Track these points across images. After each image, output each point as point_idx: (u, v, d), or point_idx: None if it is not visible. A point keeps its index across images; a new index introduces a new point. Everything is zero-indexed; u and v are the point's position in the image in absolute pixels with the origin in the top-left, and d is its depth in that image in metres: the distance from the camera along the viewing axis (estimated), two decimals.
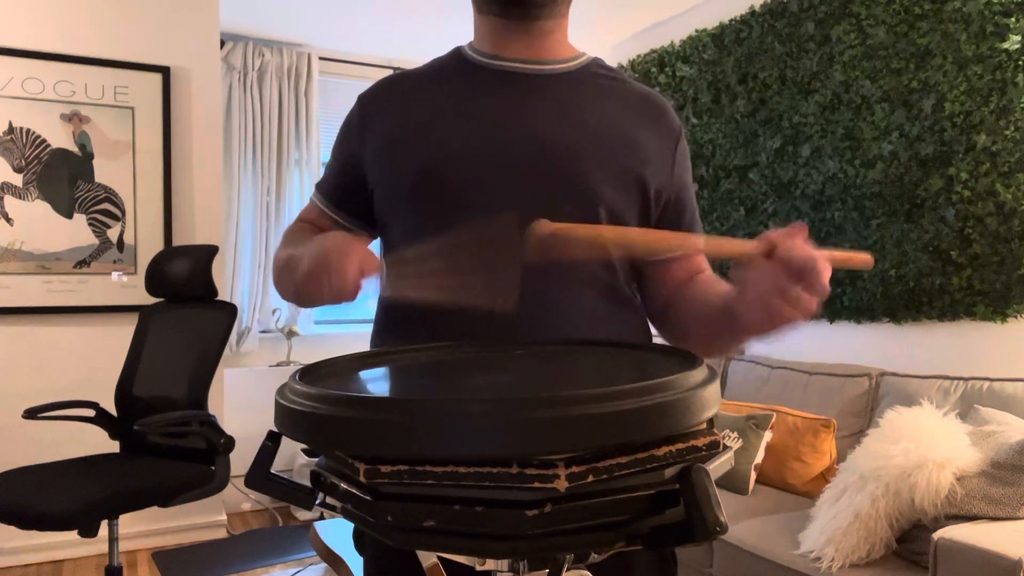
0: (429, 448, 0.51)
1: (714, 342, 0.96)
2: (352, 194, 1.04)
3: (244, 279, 4.21)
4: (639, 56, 4.24)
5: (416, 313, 0.97)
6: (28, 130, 3.23)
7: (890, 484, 2.05)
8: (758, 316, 0.77)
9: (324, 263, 0.83)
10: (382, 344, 1.00)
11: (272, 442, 0.65)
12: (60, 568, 3.19)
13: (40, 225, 3.26)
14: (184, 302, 2.70)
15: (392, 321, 1.00)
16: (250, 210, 4.23)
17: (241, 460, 2.96)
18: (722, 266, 3.00)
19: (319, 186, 1.10)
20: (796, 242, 0.72)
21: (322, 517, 3.32)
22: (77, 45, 3.31)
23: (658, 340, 1.01)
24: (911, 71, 2.80)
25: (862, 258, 0.76)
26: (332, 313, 4.58)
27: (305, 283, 0.86)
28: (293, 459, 3.93)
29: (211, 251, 2.68)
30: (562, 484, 0.51)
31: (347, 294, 0.83)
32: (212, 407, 2.77)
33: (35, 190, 3.25)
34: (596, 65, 1.04)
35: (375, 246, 1.06)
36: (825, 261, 0.72)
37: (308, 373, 0.70)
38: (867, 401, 2.79)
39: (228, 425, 3.60)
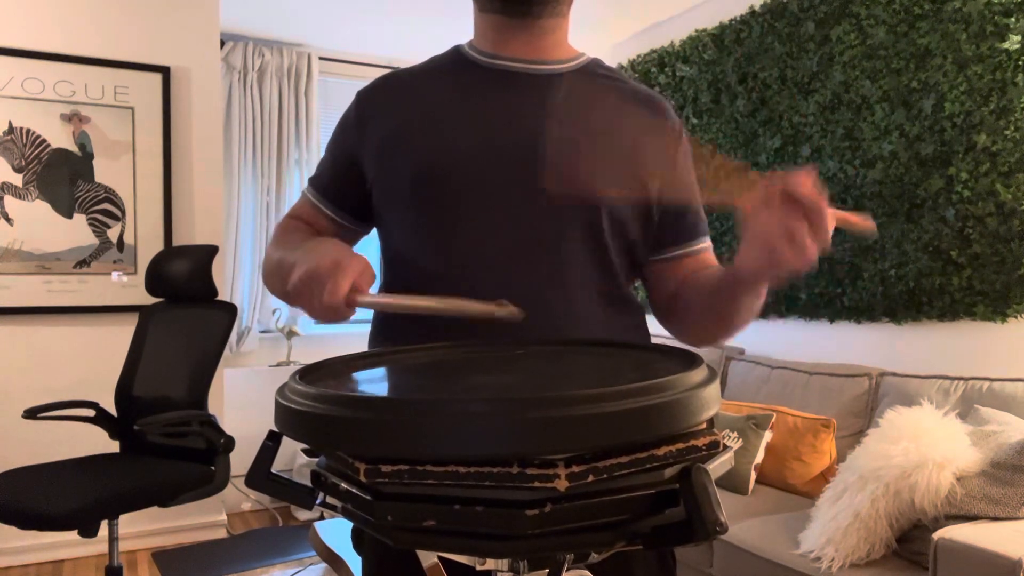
0: (429, 448, 0.51)
1: (715, 320, 0.96)
2: (347, 190, 1.04)
3: (244, 279, 4.21)
4: (639, 56, 4.24)
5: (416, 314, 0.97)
6: (28, 130, 3.23)
7: (890, 484, 2.05)
8: (760, 260, 0.76)
9: (315, 277, 0.77)
10: (381, 344, 1.00)
11: (272, 442, 0.65)
12: (60, 568, 3.19)
13: (40, 225, 3.26)
14: (184, 302, 2.70)
15: (391, 321, 1.00)
16: (250, 210, 4.23)
17: (241, 460, 2.96)
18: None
19: (312, 181, 1.09)
20: (804, 181, 0.71)
21: (322, 517, 3.32)
22: (77, 45, 3.31)
23: (658, 340, 1.01)
24: (911, 71, 2.80)
25: (864, 222, 0.76)
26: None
27: (295, 296, 0.80)
28: (293, 459, 3.93)
29: (211, 251, 2.68)
30: (562, 484, 0.51)
31: (338, 314, 0.77)
32: (212, 407, 2.77)
33: (35, 190, 3.25)
34: (596, 65, 1.04)
35: (373, 242, 1.06)
36: (830, 210, 0.71)
37: (308, 373, 0.70)
38: (867, 401, 2.79)
39: (228, 425, 3.60)
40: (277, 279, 0.94)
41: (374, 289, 0.82)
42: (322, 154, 1.11)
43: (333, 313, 0.77)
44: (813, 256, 0.73)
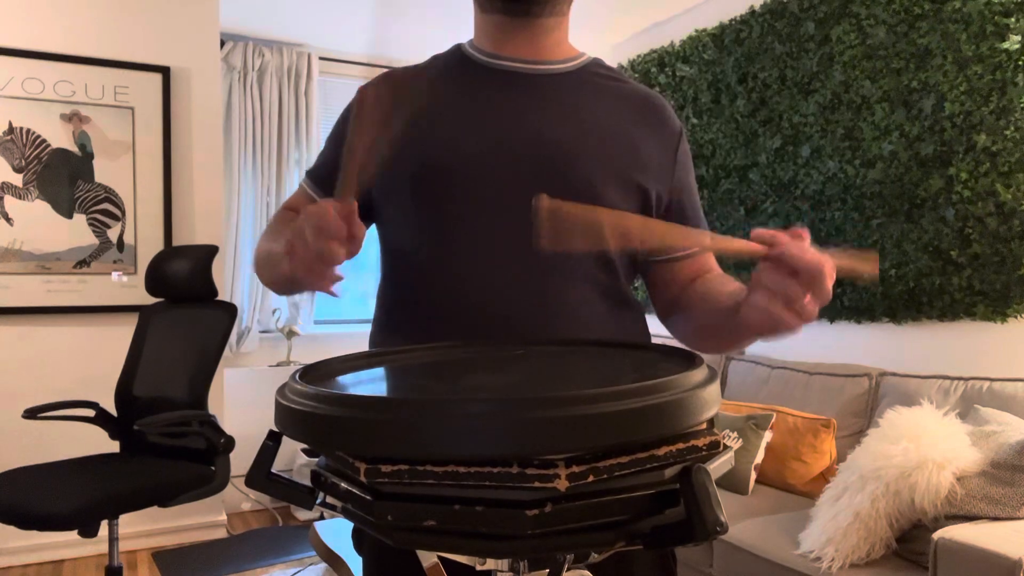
0: (429, 448, 0.51)
1: (720, 340, 0.96)
2: None
3: (244, 279, 4.21)
4: (639, 56, 4.24)
5: (416, 313, 0.97)
6: (28, 130, 3.23)
7: (890, 484, 2.05)
8: (761, 320, 0.77)
9: (299, 227, 0.74)
10: (382, 344, 1.00)
11: (272, 442, 0.65)
12: (60, 568, 3.19)
13: (40, 225, 3.26)
14: (184, 302, 2.70)
15: (392, 321, 1.00)
16: (250, 210, 4.23)
17: (241, 460, 2.96)
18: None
19: (310, 173, 1.09)
20: (804, 246, 0.72)
21: (322, 517, 3.32)
22: (77, 45, 3.31)
23: (658, 340, 1.01)
24: (911, 71, 2.80)
25: (868, 268, 0.76)
26: (332, 313, 4.58)
27: (291, 262, 0.76)
28: (293, 459, 3.93)
29: (211, 251, 2.68)
30: (562, 484, 0.51)
31: (335, 249, 0.71)
32: (212, 407, 2.77)
33: (35, 190, 3.25)
34: (596, 65, 1.04)
35: (372, 240, 1.06)
36: (832, 268, 0.72)
37: (308, 373, 0.70)
38: (867, 401, 2.79)
39: (228, 425, 3.60)
40: (268, 267, 0.95)
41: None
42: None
43: (331, 248, 0.71)
44: (812, 317, 0.74)
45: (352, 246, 0.73)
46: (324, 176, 1.06)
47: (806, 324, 0.75)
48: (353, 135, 0.74)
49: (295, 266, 0.75)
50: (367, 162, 0.74)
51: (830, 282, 0.72)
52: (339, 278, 0.75)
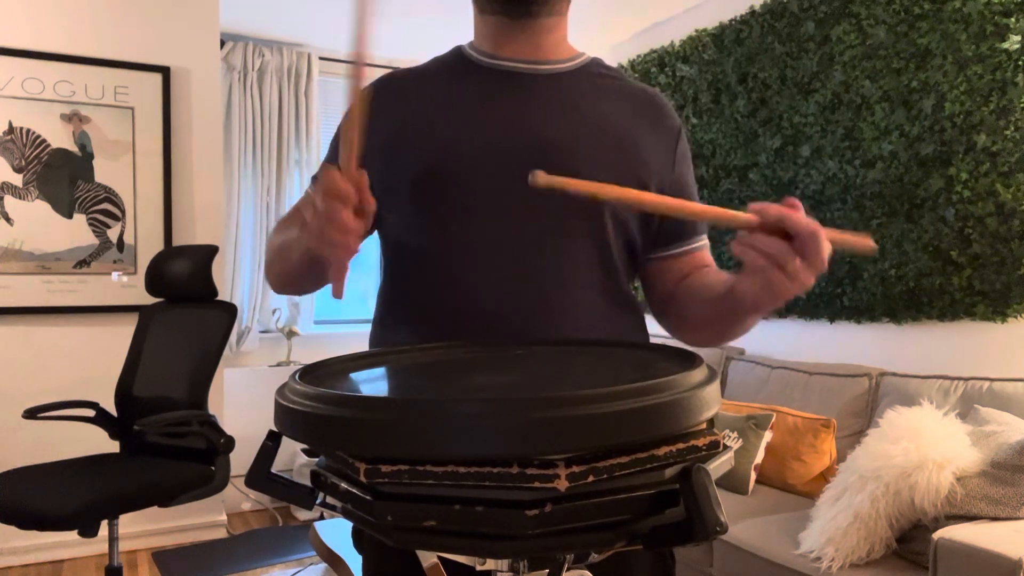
0: (429, 448, 0.51)
1: (716, 326, 0.96)
2: None
3: (244, 279, 4.21)
4: (639, 56, 4.24)
5: (416, 313, 0.97)
6: (28, 130, 3.23)
7: (890, 484, 2.05)
8: (758, 291, 0.78)
9: (309, 200, 0.75)
10: (382, 344, 1.00)
11: (272, 442, 0.65)
12: (60, 568, 3.19)
13: (40, 225, 3.26)
14: (184, 302, 2.70)
15: (392, 321, 1.01)
16: (250, 210, 4.23)
17: (241, 460, 2.96)
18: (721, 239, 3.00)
19: (316, 178, 1.09)
20: (799, 214, 0.72)
21: (322, 517, 3.32)
22: (77, 45, 3.31)
23: (657, 340, 1.01)
24: (911, 71, 2.80)
25: (863, 241, 0.76)
26: (332, 313, 4.58)
27: (305, 234, 0.76)
28: (293, 459, 3.93)
29: (211, 251, 2.68)
30: (562, 484, 0.51)
31: (345, 212, 0.71)
32: (212, 407, 2.77)
33: (35, 190, 3.25)
34: (595, 65, 1.04)
35: (372, 240, 1.06)
36: (826, 238, 0.73)
37: (308, 373, 0.70)
38: (867, 401, 2.79)
39: (228, 425, 3.60)
40: (279, 259, 0.97)
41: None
42: (323, 154, 1.12)
43: (339, 210, 0.71)
44: (809, 283, 0.74)
45: (362, 217, 0.73)
46: None
47: (801, 291, 0.75)
48: (351, 111, 0.74)
49: (308, 238, 0.76)
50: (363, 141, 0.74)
51: (825, 249, 0.72)
52: (354, 248, 0.74)
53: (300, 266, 0.93)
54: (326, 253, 0.74)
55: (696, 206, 0.78)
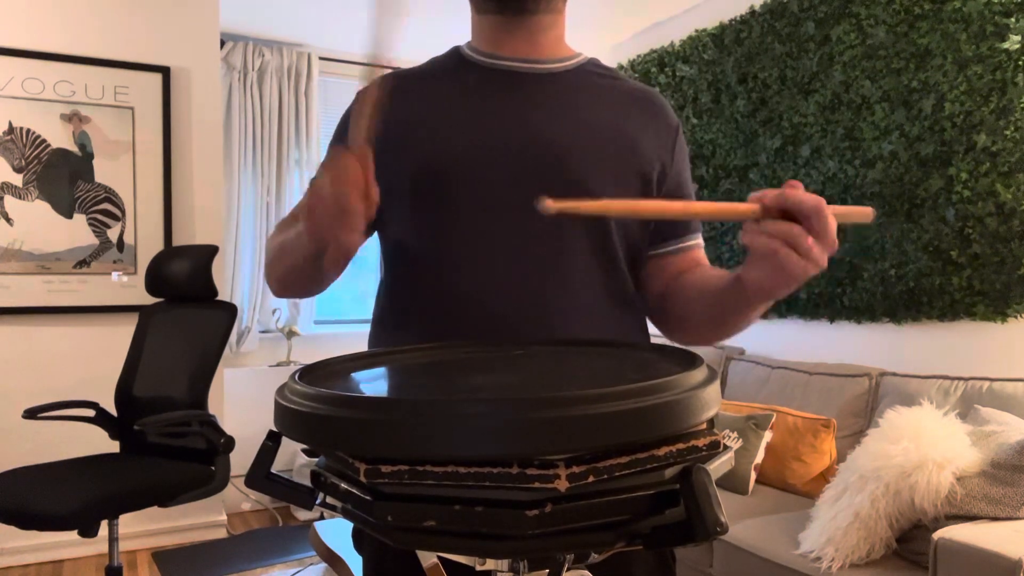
0: (429, 448, 0.51)
1: (711, 325, 0.95)
2: None
3: (244, 279, 4.21)
4: (639, 56, 4.24)
5: (416, 313, 0.97)
6: (28, 130, 3.23)
7: (890, 484, 2.05)
8: (769, 274, 0.76)
9: (315, 186, 0.75)
10: (382, 344, 1.00)
11: (272, 442, 0.65)
12: (60, 568, 3.19)
13: (40, 225, 3.26)
14: (184, 302, 2.70)
15: (392, 321, 1.00)
16: (250, 210, 4.23)
17: (241, 460, 2.96)
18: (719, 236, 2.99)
19: (314, 181, 1.09)
20: (800, 191, 0.72)
21: (322, 517, 3.32)
22: (77, 45, 3.31)
23: (658, 340, 1.01)
24: (911, 71, 2.80)
25: (862, 211, 0.76)
26: (332, 313, 4.58)
27: (311, 222, 0.77)
28: (293, 459, 3.93)
29: (211, 251, 2.68)
30: (562, 484, 0.51)
31: (353, 196, 0.72)
32: (212, 407, 2.77)
33: (35, 190, 3.25)
34: (593, 64, 1.04)
35: (372, 240, 1.06)
36: (830, 212, 0.72)
37: (308, 373, 0.70)
38: (867, 401, 2.79)
39: (228, 425, 3.60)
40: (281, 257, 0.97)
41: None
42: (323, 155, 1.12)
43: (348, 194, 0.72)
44: (823, 262, 0.73)
45: (368, 202, 0.74)
46: None
47: (816, 271, 0.73)
48: (363, 93, 0.74)
49: (315, 225, 0.76)
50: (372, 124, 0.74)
51: (832, 223, 0.71)
52: (360, 234, 0.75)
53: (302, 261, 0.93)
54: (334, 234, 0.74)
55: (699, 206, 0.78)
